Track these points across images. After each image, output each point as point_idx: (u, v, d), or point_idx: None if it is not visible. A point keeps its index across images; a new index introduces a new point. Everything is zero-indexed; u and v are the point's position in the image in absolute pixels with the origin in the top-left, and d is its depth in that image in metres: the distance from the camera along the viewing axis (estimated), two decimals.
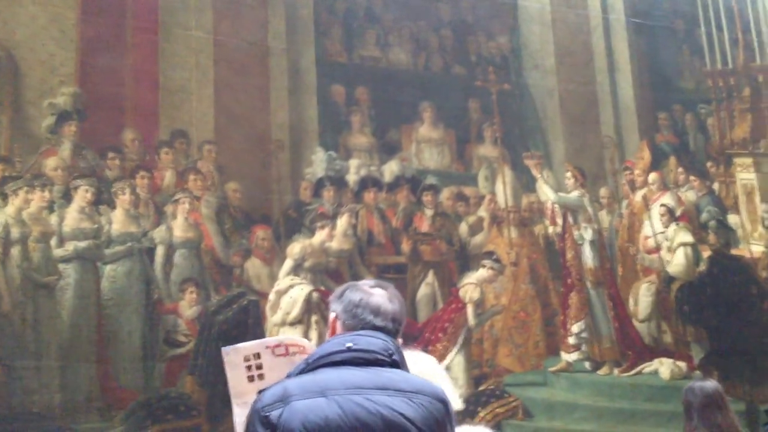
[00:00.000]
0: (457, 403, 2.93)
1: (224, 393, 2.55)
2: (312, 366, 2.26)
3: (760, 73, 9.80)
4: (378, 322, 2.36)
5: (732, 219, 9.11)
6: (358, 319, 2.35)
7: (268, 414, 2.10)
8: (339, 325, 2.40)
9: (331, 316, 2.45)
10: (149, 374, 6.77)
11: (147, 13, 7.36)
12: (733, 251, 8.98)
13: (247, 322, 7.00)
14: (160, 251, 7.03)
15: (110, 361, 6.69)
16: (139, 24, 7.31)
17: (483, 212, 8.29)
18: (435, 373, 2.92)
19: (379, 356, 2.28)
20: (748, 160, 9.39)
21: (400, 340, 2.42)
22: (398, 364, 2.32)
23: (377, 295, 2.40)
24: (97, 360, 6.63)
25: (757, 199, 9.27)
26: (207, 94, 7.48)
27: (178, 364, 6.87)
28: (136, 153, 7.24)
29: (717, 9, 9.69)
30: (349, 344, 2.28)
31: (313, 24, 8.19)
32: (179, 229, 7.10)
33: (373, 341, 2.29)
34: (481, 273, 7.90)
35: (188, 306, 7.00)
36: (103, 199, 6.93)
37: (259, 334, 6.89)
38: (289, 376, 2.27)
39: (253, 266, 7.25)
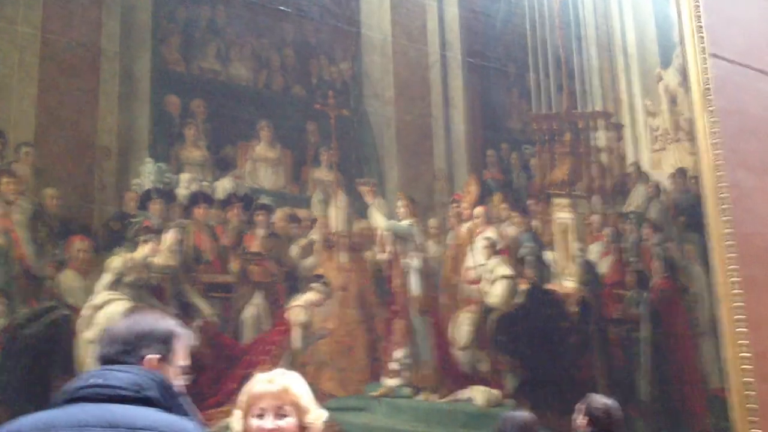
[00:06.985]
0: (323, 415, 3.08)
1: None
2: (59, 401, 2.24)
3: (580, 119, 10.50)
4: (106, 351, 2.35)
5: (548, 255, 9.64)
6: (97, 354, 2.37)
7: None
8: None
9: None
10: None
11: None
12: (548, 286, 9.49)
13: (58, 338, 6.57)
14: None
15: None
16: None
17: (315, 235, 8.27)
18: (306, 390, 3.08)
19: (122, 392, 2.19)
20: (566, 201, 10.01)
21: (156, 356, 2.35)
22: (151, 400, 2.24)
23: (121, 321, 2.42)
24: None
25: (571, 237, 9.89)
26: (29, 93, 7.00)
27: None
28: None
29: (546, 57, 10.29)
30: (93, 379, 2.22)
31: (151, 30, 7.88)
32: None
33: (121, 376, 2.21)
34: (309, 296, 7.87)
35: None
36: None
37: (70, 351, 6.48)
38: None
39: (68, 279, 6.79)
